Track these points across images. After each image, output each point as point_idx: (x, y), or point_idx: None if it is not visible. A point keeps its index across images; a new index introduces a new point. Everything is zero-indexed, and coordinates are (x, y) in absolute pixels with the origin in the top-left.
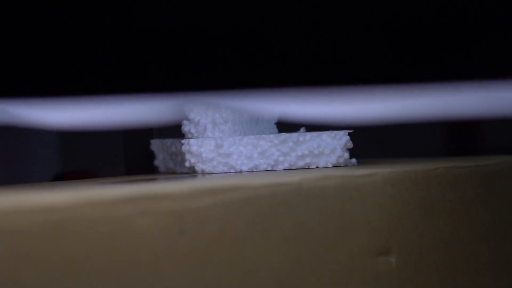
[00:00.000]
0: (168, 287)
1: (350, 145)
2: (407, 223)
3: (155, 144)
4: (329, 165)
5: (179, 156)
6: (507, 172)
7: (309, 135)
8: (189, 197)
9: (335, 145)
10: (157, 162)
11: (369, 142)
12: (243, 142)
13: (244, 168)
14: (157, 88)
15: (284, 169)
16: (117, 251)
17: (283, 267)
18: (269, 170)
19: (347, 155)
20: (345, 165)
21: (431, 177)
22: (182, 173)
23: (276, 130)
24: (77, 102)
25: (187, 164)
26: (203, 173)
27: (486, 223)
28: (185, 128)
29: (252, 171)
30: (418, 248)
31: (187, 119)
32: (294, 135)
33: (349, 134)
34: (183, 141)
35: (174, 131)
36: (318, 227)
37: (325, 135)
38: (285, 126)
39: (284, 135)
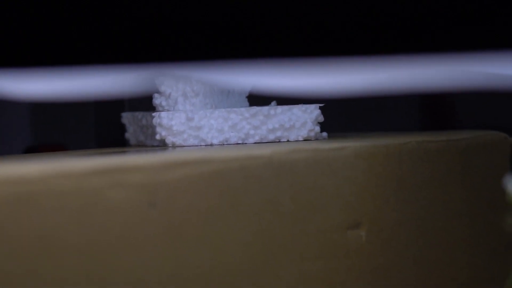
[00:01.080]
0: (139, 259)
1: (321, 118)
2: (378, 197)
3: (126, 117)
4: (300, 138)
5: (150, 129)
6: (480, 147)
7: (280, 108)
8: (159, 169)
9: (306, 119)
10: (128, 135)
11: (341, 115)
12: (214, 115)
13: (215, 141)
14: (128, 59)
15: (255, 143)
16: (87, 223)
17: (253, 240)
18: (240, 144)
19: (318, 129)
20: (316, 139)
21: (403, 152)
22: (153, 146)
23: (247, 103)
24: (48, 73)
25: (157, 137)
26: (174, 146)
27: (458, 198)
28: (156, 101)
29: (223, 144)
30: (389, 223)
31: (158, 92)
32: (265, 108)
33: (320, 107)
34: (154, 114)
35: (145, 104)
36: (289, 201)
37: (296, 109)
38: (256, 99)
39: (255, 109)
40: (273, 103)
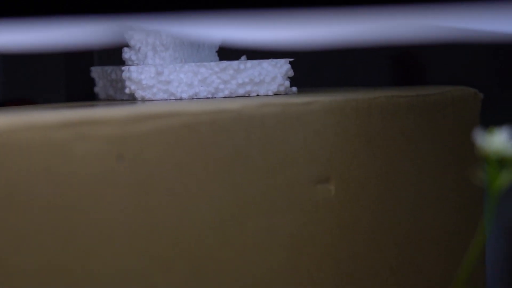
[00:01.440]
0: (105, 211)
1: (291, 73)
2: (347, 152)
3: (96, 71)
4: (270, 93)
5: (119, 83)
6: (449, 102)
7: (250, 63)
8: (128, 122)
9: (276, 74)
10: (97, 89)
11: (311, 69)
12: (184, 70)
13: (184, 96)
14: (97, 10)
15: (225, 97)
16: (54, 175)
17: (222, 193)
18: (209, 98)
19: (288, 83)
20: (286, 94)
21: (372, 106)
22: (122, 100)
23: (217, 57)
24: (15, 25)
25: (127, 91)
26: (143, 100)
27: (427, 153)
28: (126, 55)
29: (193, 98)
30: (357, 177)
31: (128, 45)
32: (235, 62)
33: (290, 62)
34: (123, 68)
35: (115, 58)
36: (258, 155)
37: (266, 63)
38: (227, 53)
39: (225, 63)
40: (243, 57)
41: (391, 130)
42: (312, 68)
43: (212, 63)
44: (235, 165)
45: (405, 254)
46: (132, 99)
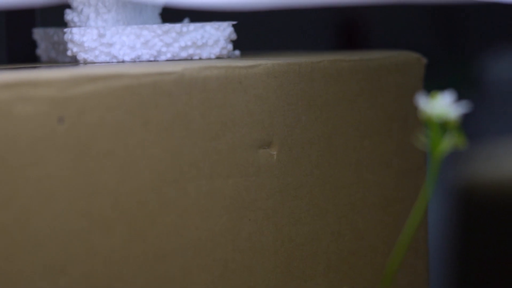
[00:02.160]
0: (46, 173)
1: (234, 36)
2: (289, 116)
3: (38, 33)
4: (212, 56)
5: (62, 45)
6: (392, 67)
7: (192, 26)
8: (69, 84)
9: (218, 37)
10: (39, 51)
11: (254, 32)
12: (126, 32)
13: (127, 58)
14: None
15: (167, 60)
16: None
17: (163, 156)
18: (151, 61)
19: (230, 46)
20: (228, 57)
21: (315, 70)
22: (64, 62)
23: (160, 20)
24: None
25: (69, 53)
26: (85, 62)
27: (369, 118)
28: (68, 17)
29: (135, 61)
30: (300, 142)
31: (70, 6)
32: (177, 25)
33: (234, 25)
34: (65, 30)
35: (57, 20)
36: (200, 118)
37: (209, 26)
38: (169, 16)
39: (167, 26)
40: (186, 20)
41: (334, 95)
42: (256, 31)
43: (155, 26)
44: (176, 128)
45: (347, 219)
46: (74, 61)
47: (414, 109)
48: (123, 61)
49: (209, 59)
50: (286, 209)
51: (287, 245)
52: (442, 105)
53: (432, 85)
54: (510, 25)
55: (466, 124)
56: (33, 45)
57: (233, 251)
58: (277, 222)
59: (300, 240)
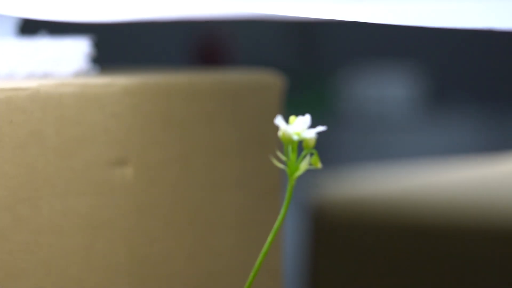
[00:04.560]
0: None
1: (93, 51)
2: (146, 135)
3: None
4: (70, 72)
5: None
6: (250, 87)
7: (49, 40)
8: None
9: (76, 52)
10: None
11: (114, 49)
12: None
13: None
14: None
15: (23, 75)
16: None
17: (16, 174)
18: (7, 75)
19: (88, 62)
20: (87, 73)
21: (172, 89)
22: None
23: (17, 33)
24: None
25: None
26: None
27: (226, 138)
28: None
29: None
30: (156, 161)
31: None
32: (34, 40)
33: (93, 38)
34: None
35: None
36: (55, 135)
37: (67, 41)
38: (27, 28)
39: (23, 40)
40: (43, 33)
41: (192, 114)
42: (118, 45)
43: (10, 40)
44: (30, 144)
45: (203, 240)
46: None
47: (272, 129)
48: None
49: (67, 75)
50: (142, 229)
51: (142, 265)
52: (299, 127)
53: (291, 102)
54: (368, 42)
55: (321, 145)
56: None
57: (87, 270)
58: (132, 242)
59: (156, 260)
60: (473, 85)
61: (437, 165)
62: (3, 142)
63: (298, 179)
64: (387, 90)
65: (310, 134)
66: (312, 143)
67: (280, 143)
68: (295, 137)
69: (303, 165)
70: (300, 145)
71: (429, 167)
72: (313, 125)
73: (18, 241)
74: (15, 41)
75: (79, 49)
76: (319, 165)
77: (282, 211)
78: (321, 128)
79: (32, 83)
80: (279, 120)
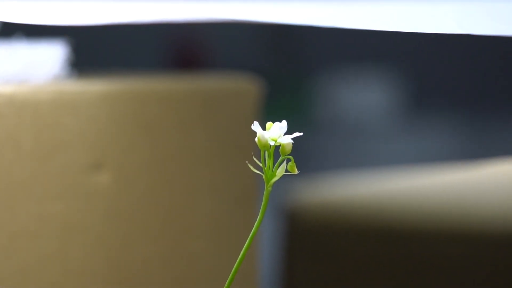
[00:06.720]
0: None
1: (69, 55)
2: (122, 140)
3: None
4: (45, 77)
5: None
6: (228, 93)
7: (25, 45)
8: None
9: (52, 57)
10: None
11: (91, 52)
12: None
13: None
14: None
15: None
16: None
17: None
18: None
19: (64, 67)
20: (62, 79)
21: (148, 95)
22: None
23: None
24: None
25: None
26: None
27: (203, 144)
28: None
29: None
30: (133, 166)
31: None
32: (9, 43)
33: (70, 42)
34: None
35: None
36: (31, 141)
37: (42, 45)
38: (2, 32)
39: None
40: (18, 37)
41: (168, 119)
42: (96, 48)
43: None
44: (6, 149)
45: (180, 245)
46: None
47: (248, 135)
48: None
49: (43, 79)
50: (118, 233)
51: (119, 269)
52: (276, 132)
53: (268, 107)
54: (346, 46)
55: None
56: None
57: (63, 275)
58: (109, 246)
59: (132, 265)
60: (452, 91)
61: (413, 171)
62: None
63: (275, 184)
64: (366, 96)
65: (287, 140)
66: (288, 149)
67: (257, 149)
68: (272, 143)
69: (280, 171)
70: (277, 151)
71: (405, 173)
72: (290, 131)
73: None
74: None
75: (55, 53)
76: (296, 171)
77: (259, 218)
78: (297, 134)
79: (8, 89)
80: (255, 126)
